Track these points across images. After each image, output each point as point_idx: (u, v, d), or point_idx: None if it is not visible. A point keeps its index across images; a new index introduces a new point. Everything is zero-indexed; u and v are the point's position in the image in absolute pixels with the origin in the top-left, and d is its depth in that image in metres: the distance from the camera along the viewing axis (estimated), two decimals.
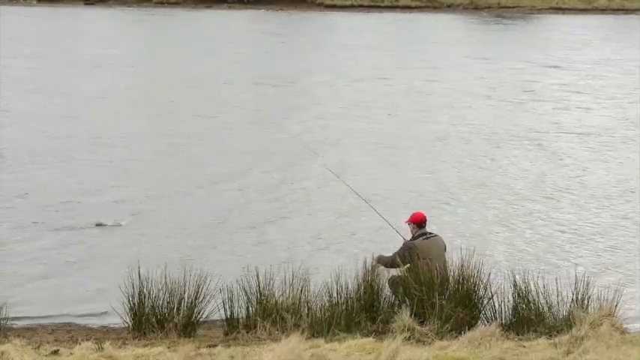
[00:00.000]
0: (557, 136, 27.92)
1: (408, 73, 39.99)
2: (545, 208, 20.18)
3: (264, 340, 11.58)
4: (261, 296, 12.26)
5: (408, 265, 12.63)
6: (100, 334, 12.44)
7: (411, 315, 11.87)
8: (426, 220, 13.11)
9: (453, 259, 12.50)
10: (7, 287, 14.79)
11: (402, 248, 12.87)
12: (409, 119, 30.25)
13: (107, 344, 11.06)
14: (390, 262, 12.80)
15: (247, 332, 12.07)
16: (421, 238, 12.86)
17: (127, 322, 12.44)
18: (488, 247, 17.14)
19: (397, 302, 12.39)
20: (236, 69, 40.96)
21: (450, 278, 12.34)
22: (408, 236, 13.22)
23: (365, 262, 12.57)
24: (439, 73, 40.34)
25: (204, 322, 12.44)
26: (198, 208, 19.77)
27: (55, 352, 11.10)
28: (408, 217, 13.24)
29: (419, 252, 12.60)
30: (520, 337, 11.73)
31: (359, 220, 18.50)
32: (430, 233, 13.05)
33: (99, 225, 18.25)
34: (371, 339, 11.28)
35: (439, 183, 22.15)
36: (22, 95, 33.04)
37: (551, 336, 11.60)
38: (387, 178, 22.46)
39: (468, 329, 11.65)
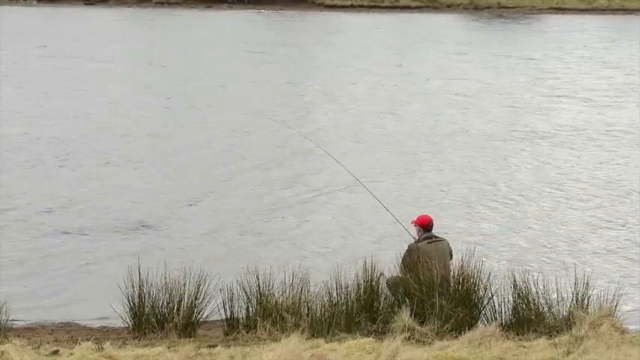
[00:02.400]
0: (571, 134, 28.11)
1: (421, 73, 40.11)
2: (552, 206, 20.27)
3: (264, 340, 11.58)
4: (261, 296, 12.26)
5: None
6: (100, 334, 12.42)
7: (411, 315, 11.87)
8: (432, 224, 13.06)
9: (456, 262, 12.51)
10: (8, 287, 14.80)
11: (408, 254, 12.80)
12: (441, 119, 30.47)
13: (107, 344, 11.06)
14: (397, 278, 12.74)
15: (247, 332, 12.06)
16: (425, 242, 12.81)
17: (127, 322, 12.43)
18: (489, 246, 17.19)
19: (397, 302, 12.37)
20: (252, 70, 40.91)
21: (451, 279, 12.32)
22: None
23: (365, 263, 12.56)
24: (451, 72, 40.37)
25: (204, 322, 12.43)
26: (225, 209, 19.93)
27: (55, 352, 11.09)
28: (415, 219, 13.21)
29: (419, 254, 12.57)
30: (520, 337, 11.72)
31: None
32: (436, 237, 12.99)
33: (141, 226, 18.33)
34: (371, 339, 11.27)
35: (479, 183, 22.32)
36: (69, 94, 33.61)
37: (551, 336, 11.59)
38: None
39: (468, 329, 11.64)
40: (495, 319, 12.18)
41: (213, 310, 12.43)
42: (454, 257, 12.79)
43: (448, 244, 12.99)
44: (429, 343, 11.27)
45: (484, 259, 12.81)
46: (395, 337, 10.92)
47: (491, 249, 17.11)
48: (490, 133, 28.02)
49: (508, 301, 12.31)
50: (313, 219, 19.33)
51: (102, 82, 36.43)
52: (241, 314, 12.31)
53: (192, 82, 37.10)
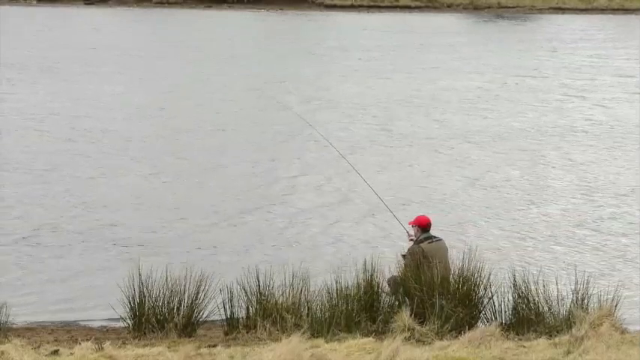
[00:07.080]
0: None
1: (430, 73, 40.27)
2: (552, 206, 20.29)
3: (265, 340, 11.59)
4: (261, 296, 12.26)
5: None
6: (100, 334, 12.43)
7: (411, 315, 11.87)
8: (430, 225, 13.06)
9: (454, 260, 12.52)
10: (8, 287, 14.80)
11: (411, 256, 12.75)
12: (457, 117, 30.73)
13: (107, 344, 11.06)
14: (397, 277, 12.72)
15: (247, 332, 12.08)
16: (427, 242, 12.81)
17: (127, 322, 12.43)
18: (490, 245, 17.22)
19: (397, 302, 12.37)
20: (261, 70, 40.93)
21: (451, 279, 12.32)
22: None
23: (365, 264, 12.55)
24: (457, 72, 40.53)
25: (204, 322, 12.44)
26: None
27: (55, 352, 11.10)
28: (413, 220, 13.18)
29: (425, 254, 12.56)
30: (520, 337, 11.73)
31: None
32: (434, 237, 13.02)
33: None
34: (371, 339, 11.28)
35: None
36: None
37: (551, 336, 11.60)
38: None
39: (468, 329, 11.65)
40: (495, 319, 12.19)
41: (213, 310, 12.43)
42: (450, 255, 12.82)
43: (444, 243, 13.01)
44: (429, 343, 11.27)
45: (484, 259, 12.78)
46: (395, 337, 10.92)
47: (491, 248, 17.11)
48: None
49: (508, 301, 12.32)
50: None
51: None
52: (241, 314, 12.32)
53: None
